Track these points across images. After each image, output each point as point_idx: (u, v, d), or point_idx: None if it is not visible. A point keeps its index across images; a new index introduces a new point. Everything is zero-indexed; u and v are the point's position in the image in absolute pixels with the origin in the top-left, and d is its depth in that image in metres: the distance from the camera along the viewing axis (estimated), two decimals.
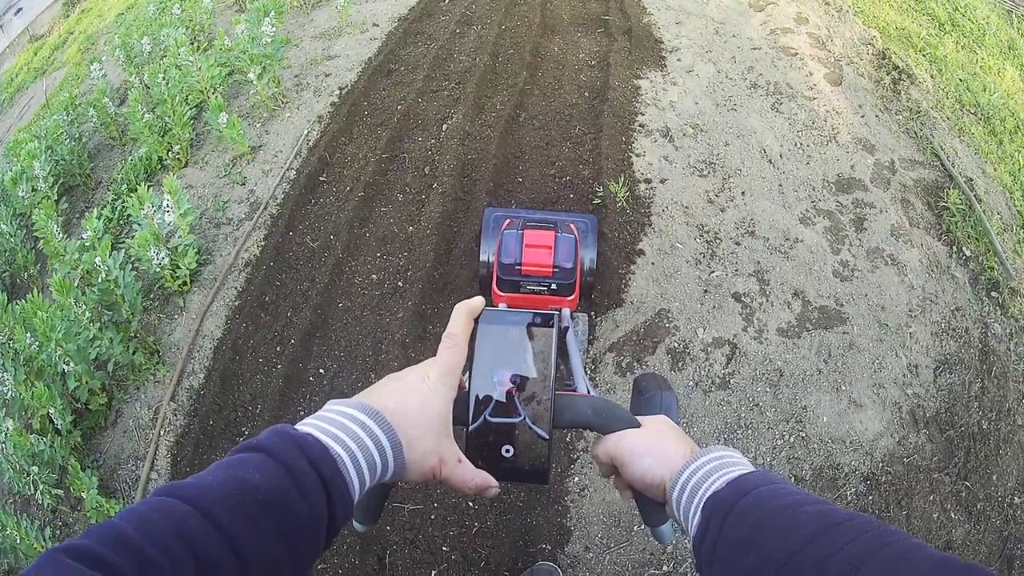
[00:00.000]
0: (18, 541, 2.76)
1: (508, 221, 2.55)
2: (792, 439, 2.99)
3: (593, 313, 3.31)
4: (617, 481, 0.89)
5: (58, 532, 2.97)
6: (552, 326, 0.85)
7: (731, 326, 3.30)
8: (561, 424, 0.85)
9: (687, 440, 0.83)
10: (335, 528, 0.66)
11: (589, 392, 1.21)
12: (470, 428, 0.82)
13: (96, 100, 4.80)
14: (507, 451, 0.82)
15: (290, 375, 3.23)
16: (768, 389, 3.11)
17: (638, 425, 0.86)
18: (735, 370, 3.15)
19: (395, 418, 0.72)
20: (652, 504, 0.83)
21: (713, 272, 3.51)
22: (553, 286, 2.37)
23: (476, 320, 0.85)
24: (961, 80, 5.15)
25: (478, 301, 0.86)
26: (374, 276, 3.55)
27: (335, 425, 0.69)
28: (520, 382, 0.82)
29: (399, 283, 3.49)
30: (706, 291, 3.42)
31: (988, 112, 4.92)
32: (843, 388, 3.15)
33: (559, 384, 1.29)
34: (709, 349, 3.22)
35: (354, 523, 0.87)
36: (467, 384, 0.83)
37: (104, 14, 9.23)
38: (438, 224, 3.63)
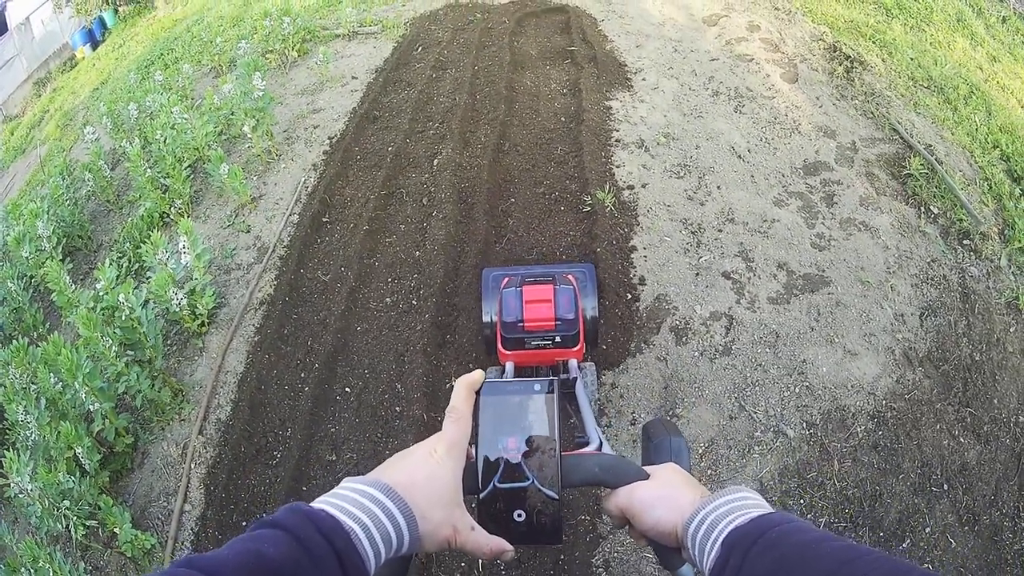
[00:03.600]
0: (51, 575, 2.80)
1: (506, 279, 2.65)
2: (798, 390, 3.30)
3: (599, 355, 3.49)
4: (631, 531, 0.91)
5: (90, 568, 3.08)
6: (552, 391, 0.89)
7: (725, 301, 3.67)
8: (570, 483, 0.88)
9: (697, 486, 0.87)
10: None
11: (601, 442, 1.29)
12: (481, 496, 0.85)
13: (92, 164, 5.13)
14: (519, 515, 0.85)
15: (317, 396, 3.51)
16: (768, 350, 3.43)
17: (646, 476, 0.89)
18: (735, 338, 3.49)
19: (407, 492, 0.76)
20: (668, 550, 0.86)
21: (702, 257, 3.89)
22: (557, 339, 2.48)
23: (478, 392, 0.89)
24: (912, 59, 5.67)
25: (478, 375, 0.90)
26: (388, 299, 3.88)
27: (348, 501, 0.73)
28: (526, 448, 0.86)
29: (413, 301, 3.82)
30: (698, 274, 3.79)
31: (941, 83, 5.43)
32: (836, 341, 3.49)
33: (571, 439, 1.46)
34: (708, 323, 3.56)
35: None
36: (475, 455, 0.87)
37: (77, 91, 9.62)
38: (443, 245, 4.00)
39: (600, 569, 2.84)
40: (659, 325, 3.57)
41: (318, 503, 0.73)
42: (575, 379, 2.35)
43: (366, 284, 3.99)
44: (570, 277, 2.59)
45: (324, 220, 4.42)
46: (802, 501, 2.97)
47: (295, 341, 3.77)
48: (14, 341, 3.53)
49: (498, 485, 0.85)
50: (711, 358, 3.43)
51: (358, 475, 0.79)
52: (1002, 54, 6.47)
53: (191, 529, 3.15)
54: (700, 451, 3.13)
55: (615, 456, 0.93)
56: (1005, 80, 5.92)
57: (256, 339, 3.82)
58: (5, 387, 3.27)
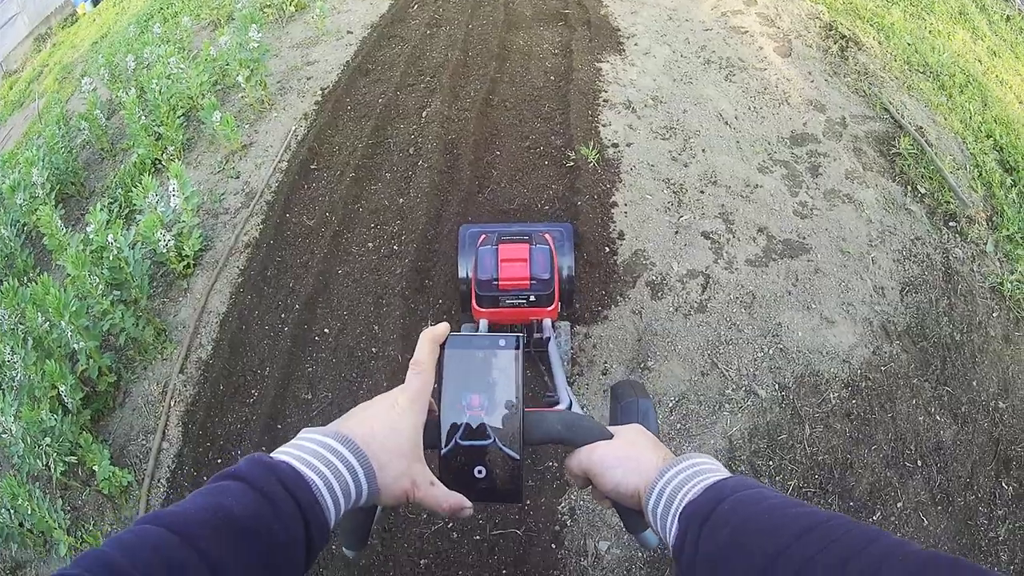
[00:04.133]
0: (29, 514, 2.80)
1: (483, 236, 2.62)
2: (771, 351, 3.27)
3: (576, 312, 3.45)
4: (593, 492, 0.89)
5: (68, 507, 3.06)
6: (518, 347, 0.87)
7: (703, 260, 3.63)
8: (532, 441, 0.87)
9: (660, 448, 0.85)
10: (313, 552, 0.68)
11: (572, 403, 1.25)
12: (442, 452, 0.84)
13: (88, 113, 5.09)
14: (479, 472, 0.83)
15: (296, 336, 3.48)
16: (743, 310, 3.40)
17: (610, 436, 0.87)
18: (711, 296, 3.46)
19: (366, 444, 0.75)
20: (631, 512, 0.85)
21: (682, 216, 3.84)
22: (532, 298, 2.42)
23: (442, 346, 0.87)
24: (909, 44, 5.59)
25: (442, 328, 0.88)
26: (370, 244, 3.83)
27: (309, 453, 0.71)
28: (488, 404, 0.84)
29: (395, 247, 3.78)
30: (677, 232, 3.74)
31: (937, 70, 5.34)
32: (813, 307, 3.45)
33: (541, 397, 1.40)
34: (684, 280, 3.52)
35: (344, 550, 0.91)
36: (437, 410, 0.86)
37: (77, 45, 9.49)
38: (427, 193, 3.96)
39: (566, 516, 2.81)
40: (635, 279, 3.53)
41: (278, 454, 0.72)
42: (548, 338, 2.32)
43: (350, 229, 3.94)
44: (547, 236, 2.54)
45: (312, 167, 4.36)
46: (771, 463, 2.94)
47: (277, 283, 3.73)
48: (4, 284, 3.51)
49: (460, 442, 0.83)
50: (686, 314, 3.39)
51: (323, 425, 0.78)
52: (1003, 50, 6.39)
53: (168, 467, 3.12)
54: (670, 405, 3.09)
55: (578, 414, 0.91)
56: (1004, 75, 5.84)
57: (239, 281, 3.78)
58: None
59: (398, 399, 0.80)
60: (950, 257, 3.76)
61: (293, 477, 0.67)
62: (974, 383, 3.26)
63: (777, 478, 2.90)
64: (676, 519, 0.72)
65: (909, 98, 4.89)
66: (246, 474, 0.66)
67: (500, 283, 2.39)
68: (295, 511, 0.66)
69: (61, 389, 3.13)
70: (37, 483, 3.09)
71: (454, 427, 0.83)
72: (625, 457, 0.83)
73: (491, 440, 0.83)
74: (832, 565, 0.56)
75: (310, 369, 3.37)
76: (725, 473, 0.75)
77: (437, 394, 0.85)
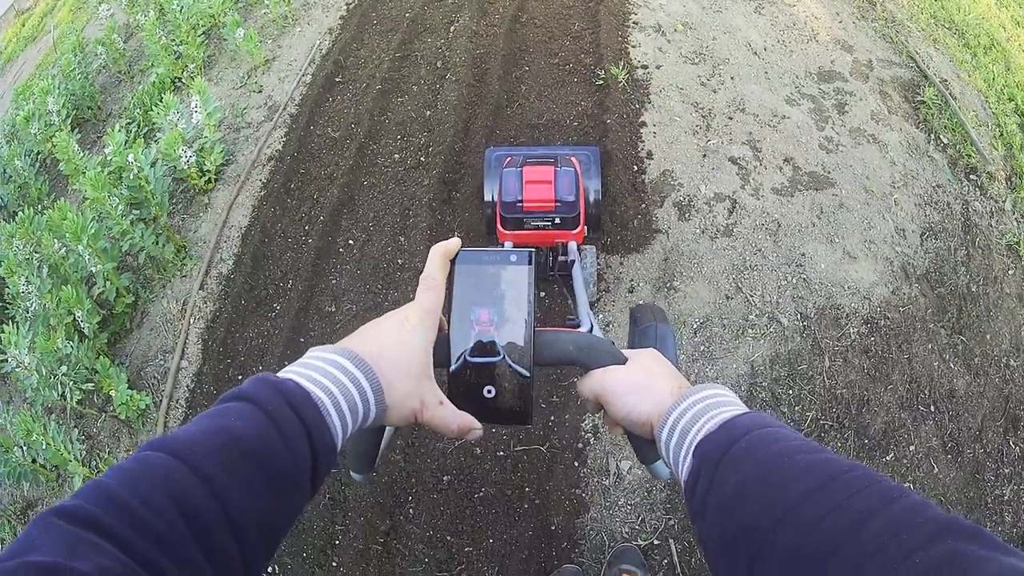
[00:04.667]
0: (43, 448, 2.69)
1: (508, 159, 2.52)
2: (795, 280, 3.14)
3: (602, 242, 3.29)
4: (605, 418, 0.85)
5: (83, 436, 2.96)
6: (529, 263, 0.82)
7: (730, 184, 3.46)
8: (542, 361, 0.82)
9: (676, 375, 0.80)
10: (319, 475, 0.65)
11: (593, 327, 1.18)
12: (451, 369, 0.80)
13: (106, 37, 4.82)
14: (489, 392, 0.79)
15: (320, 248, 3.33)
16: (768, 237, 3.26)
17: (624, 361, 0.83)
18: (736, 221, 3.31)
19: (375, 361, 0.71)
20: (643, 441, 0.80)
21: (710, 140, 3.66)
22: (557, 220, 2.35)
23: (453, 262, 0.83)
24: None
25: (454, 243, 0.83)
26: (396, 156, 3.65)
27: (316, 371, 0.67)
28: (498, 320, 0.80)
29: (421, 158, 3.59)
30: (705, 155, 3.57)
31: (962, 28, 5.07)
32: (836, 241, 3.31)
33: (564, 321, 1.33)
34: (712, 203, 3.37)
35: (352, 473, 0.88)
36: (447, 326, 0.81)
37: None
38: (455, 106, 3.74)
39: (588, 435, 2.73)
40: (663, 199, 3.36)
41: (286, 373, 0.67)
42: (573, 261, 2.25)
43: (375, 141, 3.74)
44: (573, 159, 2.44)
45: (337, 80, 4.13)
46: (791, 392, 2.84)
47: (301, 195, 3.57)
48: (19, 213, 3.33)
49: (469, 359, 0.79)
50: (712, 237, 3.24)
51: (338, 341, 0.74)
52: None
53: (187, 387, 3.01)
54: (695, 327, 2.98)
55: (592, 336, 0.85)
56: None
57: (262, 194, 3.60)
58: (8, 259, 3.07)
59: (408, 315, 0.76)
60: (970, 209, 3.60)
61: (300, 396, 0.63)
62: (988, 336, 3.15)
63: (796, 408, 2.81)
64: (691, 453, 0.67)
65: (935, 51, 4.65)
66: (252, 394, 0.63)
67: (524, 204, 2.32)
68: (302, 432, 0.62)
69: (77, 314, 3.00)
70: (51, 415, 2.99)
71: (463, 344, 0.79)
72: (638, 384, 0.78)
73: (501, 357, 0.79)
74: (857, 516, 0.51)
75: (334, 281, 3.24)
76: (741, 407, 0.70)
77: (447, 310, 0.81)
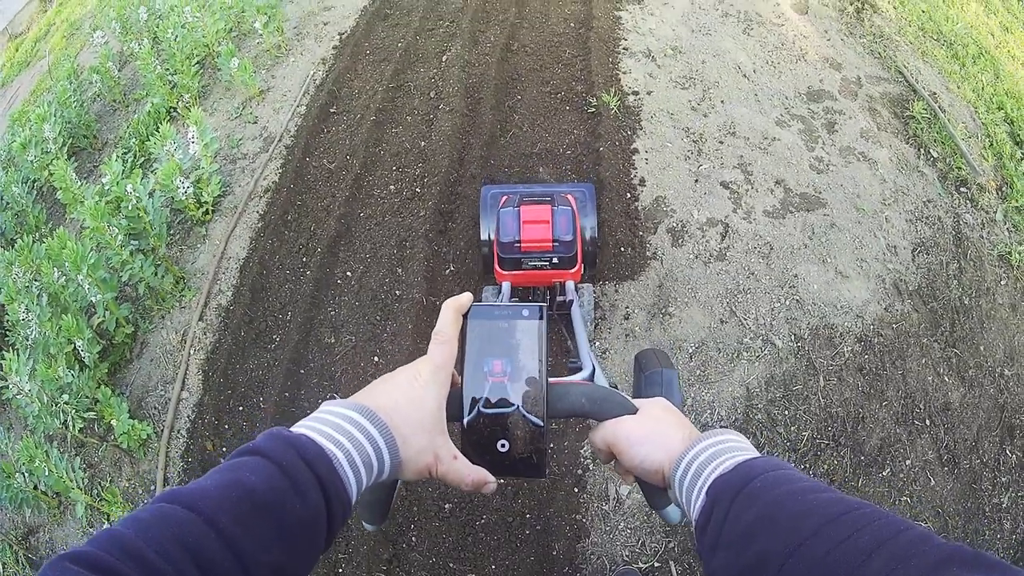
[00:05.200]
0: (46, 475, 2.74)
1: (505, 198, 2.56)
2: (788, 302, 3.25)
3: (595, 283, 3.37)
4: (617, 467, 0.88)
5: (85, 465, 3.02)
6: (541, 317, 0.84)
7: (722, 208, 3.58)
8: (556, 413, 0.85)
9: (686, 424, 0.83)
10: (334, 528, 0.66)
11: (595, 368, 1.22)
12: (465, 422, 0.81)
13: (100, 66, 4.92)
14: (502, 445, 0.81)
15: (319, 279, 3.43)
16: (761, 260, 3.37)
17: (635, 411, 0.85)
18: (729, 245, 3.42)
19: (389, 416, 0.73)
20: (655, 488, 0.83)
21: (702, 165, 3.78)
22: (554, 260, 2.38)
23: (465, 316, 0.85)
24: (923, 11, 5.46)
25: (466, 298, 0.85)
26: (392, 187, 3.76)
27: (330, 426, 0.69)
28: (511, 371, 0.81)
29: (417, 189, 3.71)
30: (697, 180, 3.69)
31: (951, 39, 5.23)
32: (829, 261, 3.42)
33: (564, 363, 1.37)
34: (704, 228, 3.49)
35: (364, 524, 0.90)
36: (460, 381, 0.83)
37: (84, 2, 9.22)
38: (449, 136, 3.87)
39: (588, 460, 2.84)
40: (656, 226, 3.48)
41: (299, 428, 0.69)
42: (571, 301, 2.29)
43: (371, 172, 3.86)
44: (569, 197, 2.48)
45: (331, 111, 4.25)
46: (787, 412, 2.94)
47: (298, 227, 3.67)
48: (17, 241, 3.40)
49: (482, 410, 0.81)
50: (705, 261, 3.36)
51: (344, 398, 0.75)
52: (1015, 27, 6.26)
53: (188, 417, 3.09)
54: (690, 352, 3.08)
55: (603, 388, 0.88)
56: (1016, 51, 5.72)
57: (259, 225, 3.70)
58: (7, 287, 3.14)
59: (421, 371, 0.78)
60: (960, 222, 3.73)
61: (314, 451, 0.65)
62: (981, 348, 3.26)
63: (792, 427, 2.91)
64: (704, 492, 0.70)
65: (923, 64, 4.80)
66: (265, 448, 0.65)
67: (522, 245, 2.35)
68: (315, 485, 0.63)
69: (78, 343, 3.05)
70: (53, 442, 3.05)
71: (476, 395, 0.81)
72: (650, 432, 0.81)
73: (515, 406, 0.80)
74: (864, 549, 0.54)
75: (333, 312, 3.33)
76: (754, 451, 0.74)
77: (460, 364, 0.83)
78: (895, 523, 0.56)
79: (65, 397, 2.93)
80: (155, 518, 0.56)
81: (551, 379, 0.86)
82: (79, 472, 2.89)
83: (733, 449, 0.73)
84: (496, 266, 2.43)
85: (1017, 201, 3.89)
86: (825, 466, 2.84)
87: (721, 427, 0.78)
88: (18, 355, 2.86)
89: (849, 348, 3.15)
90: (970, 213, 3.80)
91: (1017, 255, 3.62)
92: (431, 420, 0.76)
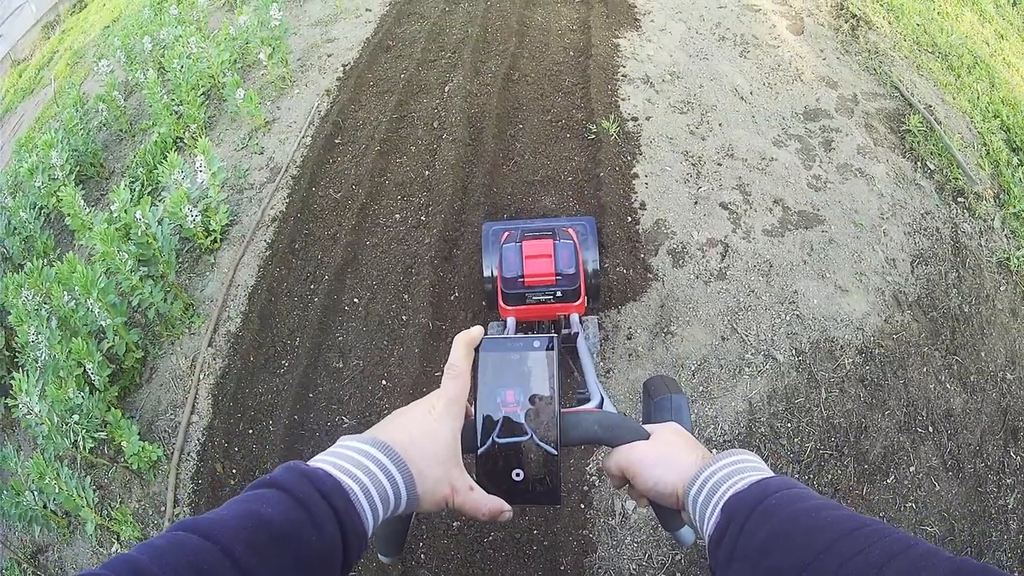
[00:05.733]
0: (56, 492, 2.81)
1: (507, 234, 2.61)
2: (788, 318, 3.37)
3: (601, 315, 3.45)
4: (631, 491, 0.90)
5: (95, 487, 3.11)
6: (552, 348, 0.87)
7: (721, 229, 3.73)
8: (569, 441, 0.87)
9: (698, 447, 0.85)
10: (350, 561, 0.67)
11: (603, 398, 1.24)
12: (479, 452, 0.84)
13: (106, 94, 5.14)
14: (517, 475, 0.83)
15: (327, 306, 3.57)
16: (761, 278, 3.50)
17: (647, 436, 0.88)
18: (729, 264, 3.56)
19: (405, 450, 0.75)
20: (669, 510, 0.86)
21: (701, 187, 3.94)
22: (558, 294, 2.41)
23: (476, 349, 0.88)
24: (918, 24, 5.64)
25: (477, 331, 0.88)
26: (397, 215, 3.92)
27: (346, 460, 0.71)
28: (524, 402, 0.84)
29: (422, 217, 3.87)
30: (696, 202, 3.84)
31: (946, 51, 5.40)
32: (828, 276, 3.55)
33: (572, 396, 1.40)
34: (704, 248, 3.62)
35: (380, 556, 0.91)
36: (474, 413, 0.86)
37: (87, 30, 9.48)
38: (452, 165, 4.04)
39: (593, 477, 2.94)
40: (657, 248, 3.63)
41: (315, 462, 0.72)
42: (576, 334, 2.33)
43: (376, 201, 4.03)
44: (570, 231, 2.53)
45: (336, 142, 4.44)
46: (790, 425, 3.05)
47: (305, 255, 3.82)
48: (28, 264, 3.52)
49: (497, 440, 0.83)
50: (706, 281, 3.50)
51: (357, 433, 0.78)
52: (1010, 33, 6.42)
53: (197, 440, 3.21)
54: (692, 369, 3.20)
55: (615, 415, 0.92)
56: (1011, 58, 5.88)
57: (267, 254, 3.86)
58: (17, 309, 3.26)
59: (435, 404, 0.81)
60: (959, 231, 3.86)
61: (330, 484, 0.67)
62: (982, 354, 3.37)
63: (796, 439, 3.01)
64: (719, 508, 0.72)
65: (919, 77, 4.97)
66: (282, 481, 0.66)
67: (526, 280, 2.39)
68: (332, 518, 0.65)
69: (88, 366, 3.15)
70: (63, 462, 3.11)
71: (490, 426, 0.84)
72: (663, 456, 0.84)
73: (528, 435, 0.83)
74: (875, 563, 0.57)
75: (341, 338, 3.47)
76: (769, 472, 0.76)
77: (473, 397, 0.86)
78: (905, 539, 0.59)
79: (75, 417, 3.03)
80: (170, 545, 0.58)
81: (563, 408, 0.88)
82: (90, 491, 2.97)
83: (749, 469, 0.76)
84: (500, 302, 2.48)
85: (1015, 207, 4.04)
86: (829, 476, 2.94)
87: (734, 448, 0.80)
88: (27, 376, 2.95)
89: (850, 360, 3.27)
90: (968, 222, 3.93)
91: (1016, 261, 3.76)
92: (446, 452, 0.78)
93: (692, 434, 0.90)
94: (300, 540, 0.62)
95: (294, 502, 0.64)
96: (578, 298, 2.43)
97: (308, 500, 0.64)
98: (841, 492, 2.89)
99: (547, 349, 0.87)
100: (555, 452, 0.83)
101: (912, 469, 2.98)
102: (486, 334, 0.90)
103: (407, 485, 0.74)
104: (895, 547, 0.57)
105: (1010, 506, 2.95)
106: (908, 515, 2.87)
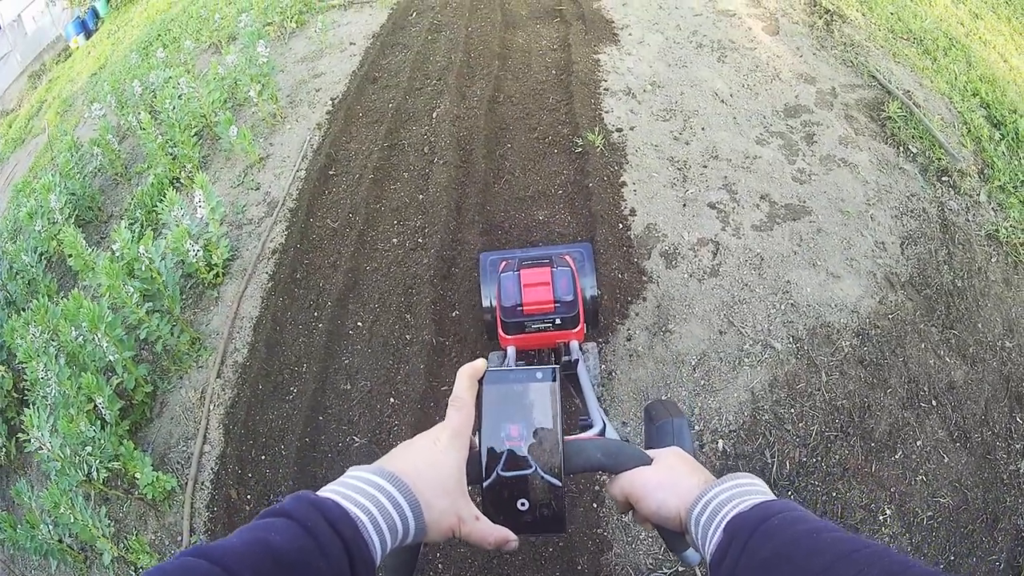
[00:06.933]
0: (72, 523, 2.86)
1: (504, 263, 2.67)
2: (783, 307, 3.51)
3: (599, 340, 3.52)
4: (636, 516, 0.91)
5: (110, 519, 3.17)
6: (554, 379, 0.90)
7: (711, 228, 3.88)
8: (572, 470, 0.88)
9: (700, 470, 0.87)
10: None
11: (604, 424, 1.27)
12: (484, 485, 0.85)
13: (100, 138, 5.32)
14: (522, 504, 0.85)
15: (331, 331, 3.71)
16: (753, 272, 3.64)
17: (649, 461, 0.90)
18: (721, 261, 3.70)
19: (412, 481, 0.77)
20: (673, 533, 0.87)
21: (688, 190, 4.10)
22: (557, 321, 2.42)
23: (480, 381, 0.90)
24: (892, 13, 5.87)
25: (480, 364, 0.91)
26: (394, 240, 4.09)
27: (354, 490, 0.73)
28: (528, 435, 0.86)
29: (419, 239, 4.04)
30: (685, 205, 4.00)
31: (920, 36, 5.61)
32: (819, 264, 3.69)
33: (575, 422, 1.45)
34: (696, 248, 3.77)
35: None
36: (478, 444, 0.88)
37: (74, 79, 9.71)
38: (445, 187, 4.22)
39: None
40: (649, 251, 3.79)
41: (324, 492, 0.74)
42: (577, 361, 2.37)
43: (373, 227, 4.20)
44: (567, 258, 2.59)
45: (331, 173, 4.62)
46: (792, 410, 3.17)
47: (307, 284, 3.97)
48: (33, 302, 3.62)
49: (501, 473, 0.86)
50: (700, 279, 3.64)
51: (366, 464, 0.81)
52: (984, 12, 6.62)
53: (211, 469, 3.31)
54: (692, 364, 3.33)
55: (617, 441, 0.95)
56: (987, 36, 6.07)
57: (269, 285, 4.01)
58: (25, 345, 3.36)
59: (440, 436, 0.83)
60: (945, 210, 4.00)
61: (339, 514, 0.69)
62: (979, 325, 3.50)
63: (800, 424, 3.12)
64: (721, 528, 0.74)
65: (895, 65, 5.15)
66: (291, 510, 0.68)
67: (524, 308, 2.41)
68: (340, 548, 0.66)
69: (98, 401, 3.24)
70: (78, 494, 3.16)
71: (495, 459, 0.86)
72: (666, 480, 0.86)
73: (532, 469, 0.85)
74: None
75: (347, 361, 3.60)
76: (771, 495, 0.78)
77: (477, 428, 0.88)
78: (903, 560, 0.60)
79: (88, 449, 3.09)
80: (179, 570, 0.59)
81: (566, 436, 0.90)
82: (105, 521, 3.04)
83: (751, 492, 0.78)
84: (500, 331, 2.52)
85: (999, 180, 4.20)
86: (836, 456, 3.04)
87: (737, 472, 0.86)
88: (38, 412, 3.02)
89: (848, 343, 3.39)
90: (954, 200, 4.08)
91: (1005, 231, 3.90)
92: (452, 483, 0.80)
93: (695, 456, 0.93)
94: (307, 568, 0.64)
95: (302, 530, 0.66)
96: (577, 325, 2.46)
97: (316, 528, 0.66)
98: (850, 471, 2.98)
99: (550, 380, 0.91)
100: (559, 483, 0.85)
101: (919, 443, 3.07)
102: (487, 364, 0.94)
103: (415, 515, 0.76)
104: (894, 568, 0.59)
105: (1022, 470, 3.05)
106: (920, 488, 2.96)
